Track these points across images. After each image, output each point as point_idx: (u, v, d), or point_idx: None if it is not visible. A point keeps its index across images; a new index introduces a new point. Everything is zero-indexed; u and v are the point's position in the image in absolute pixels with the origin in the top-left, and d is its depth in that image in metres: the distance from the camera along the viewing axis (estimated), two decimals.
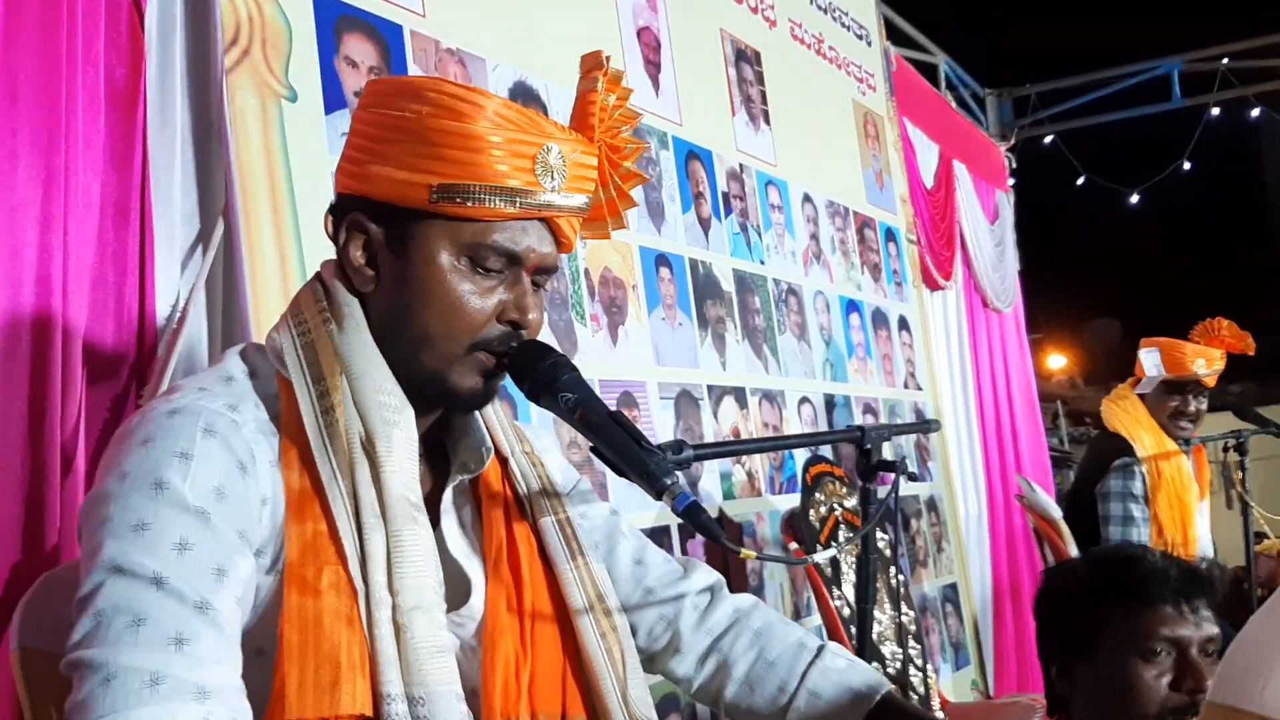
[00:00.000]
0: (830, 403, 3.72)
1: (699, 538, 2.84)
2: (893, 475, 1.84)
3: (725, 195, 3.39)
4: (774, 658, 1.40)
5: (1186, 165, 8.79)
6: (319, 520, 1.11)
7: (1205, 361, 3.89)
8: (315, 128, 2.10)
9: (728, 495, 3.09)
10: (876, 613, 3.03)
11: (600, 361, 2.69)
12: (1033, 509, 4.01)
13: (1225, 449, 3.83)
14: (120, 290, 1.86)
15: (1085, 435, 10.87)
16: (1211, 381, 3.96)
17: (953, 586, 4.41)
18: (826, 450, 3.47)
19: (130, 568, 1.02)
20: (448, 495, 1.26)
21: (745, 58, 3.68)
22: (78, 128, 1.78)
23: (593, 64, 1.28)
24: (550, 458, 1.41)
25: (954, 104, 6.44)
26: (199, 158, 1.99)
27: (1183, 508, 3.84)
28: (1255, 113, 8.20)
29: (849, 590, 3.02)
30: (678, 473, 1.17)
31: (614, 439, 1.17)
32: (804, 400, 3.56)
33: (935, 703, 3.33)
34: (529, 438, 1.39)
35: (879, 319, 4.27)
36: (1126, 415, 3.95)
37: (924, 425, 2.63)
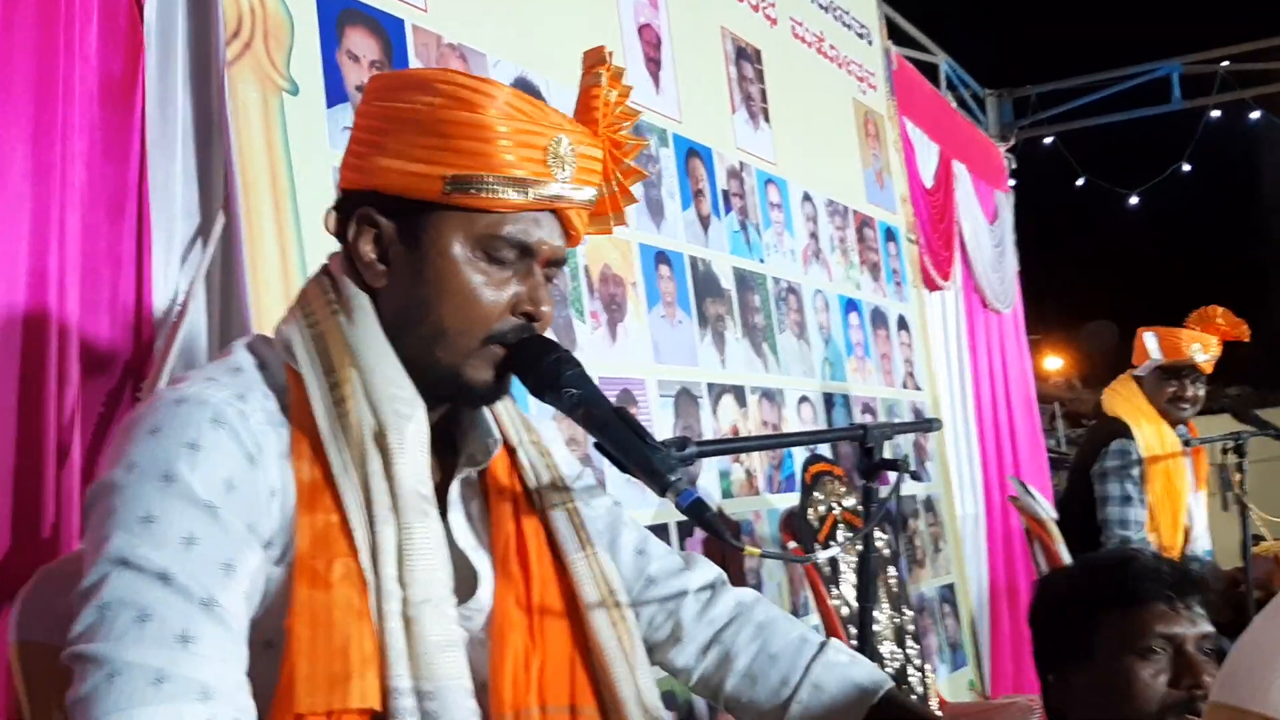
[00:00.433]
0: (829, 402, 3.72)
1: (696, 537, 2.84)
2: (893, 474, 1.83)
3: (725, 193, 3.39)
4: (776, 651, 1.40)
5: (1186, 167, 8.80)
6: (331, 512, 1.11)
7: (1201, 347, 3.91)
8: (317, 122, 2.10)
9: (726, 494, 3.09)
10: (875, 613, 3.03)
11: (599, 359, 2.69)
12: (1025, 510, 4.01)
13: (1224, 450, 3.83)
14: (115, 284, 1.86)
15: (1082, 437, 10.86)
16: (1208, 368, 3.98)
17: (950, 587, 4.42)
18: (825, 449, 3.47)
19: (137, 561, 1.01)
20: (455, 488, 1.25)
21: (746, 56, 3.68)
22: (73, 120, 1.77)
23: (595, 60, 1.27)
24: (556, 448, 1.40)
25: (954, 104, 6.44)
26: (199, 151, 1.99)
27: (1175, 495, 3.86)
28: (1255, 116, 8.20)
29: (847, 590, 3.02)
30: (682, 469, 1.17)
31: (618, 435, 1.16)
32: (803, 399, 3.56)
33: (934, 703, 3.34)
34: (535, 427, 1.39)
35: (878, 318, 4.27)
36: (1127, 402, 3.97)
37: (925, 424, 2.63)
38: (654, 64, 3.19)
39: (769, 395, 3.38)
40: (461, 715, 1.10)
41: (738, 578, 2.98)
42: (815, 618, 3.03)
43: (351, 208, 1.21)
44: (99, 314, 1.83)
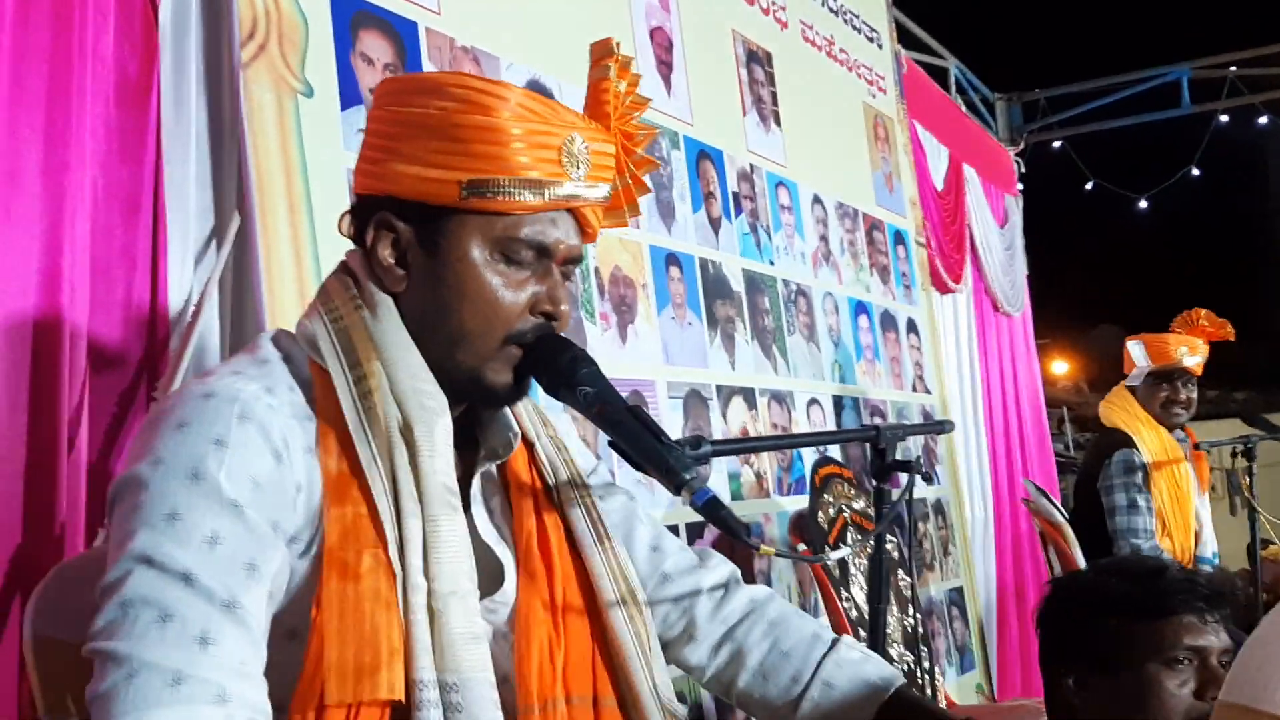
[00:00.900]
0: (839, 404, 3.72)
1: (707, 537, 2.84)
2: (905, 476, 1.84)
3: (735, 195, 3.39)
4: (788, 648, 1.40)
5: (1195, 171, 8.79)
6: (359, 504, 1.11)
7: (1189, 349, 3.95)
8: (331, 123, 2.11)
9: (736, 496, 3.09)
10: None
11: (609, 360, 2.69)
12: (1039, 513, 4.01)
13: (1234, 454, 3.83)
14: (130, 284, 1.86)
15: (1086, 451, 10.83)
16: (1198, 370, 4.02)
17: (959, 590, 4.41)
18: (835, 451, 3.47)
19: (160, 560, 1.01)
20: (476, 482, 1.26)
21: (757, 59, 3.69)
22: (88, 121, 1.78)
23: (603, 52, 1.27)
24: (571, 440, 1.41)
25: (964, 108, 6.45)
26: (214, 152, 2.00)
27: (1183, 498, 3.87)
28: (1263, 120, 8.19)
29: (857, 592, 3.02)
30: (696, 468, 1.17)
31: (633, 433, 1.17)
32: (813, 402, 3.56)
33: (941, 705, 3.33)
34: (551, 420, 1.39)
35: (887, 321, 4.27)
36: (1124, 412, 4.00)
37: (938, 426, 2.63)
38: (665, 67, 3.20)
39: (778, 397, 3.39)
40: (484, 708, 1.10)
41: (748, 579, 2.97)
42: (824, 620, 3.03)
43: (368, 213, 1.21)
44: (113, 314, 1.83)
